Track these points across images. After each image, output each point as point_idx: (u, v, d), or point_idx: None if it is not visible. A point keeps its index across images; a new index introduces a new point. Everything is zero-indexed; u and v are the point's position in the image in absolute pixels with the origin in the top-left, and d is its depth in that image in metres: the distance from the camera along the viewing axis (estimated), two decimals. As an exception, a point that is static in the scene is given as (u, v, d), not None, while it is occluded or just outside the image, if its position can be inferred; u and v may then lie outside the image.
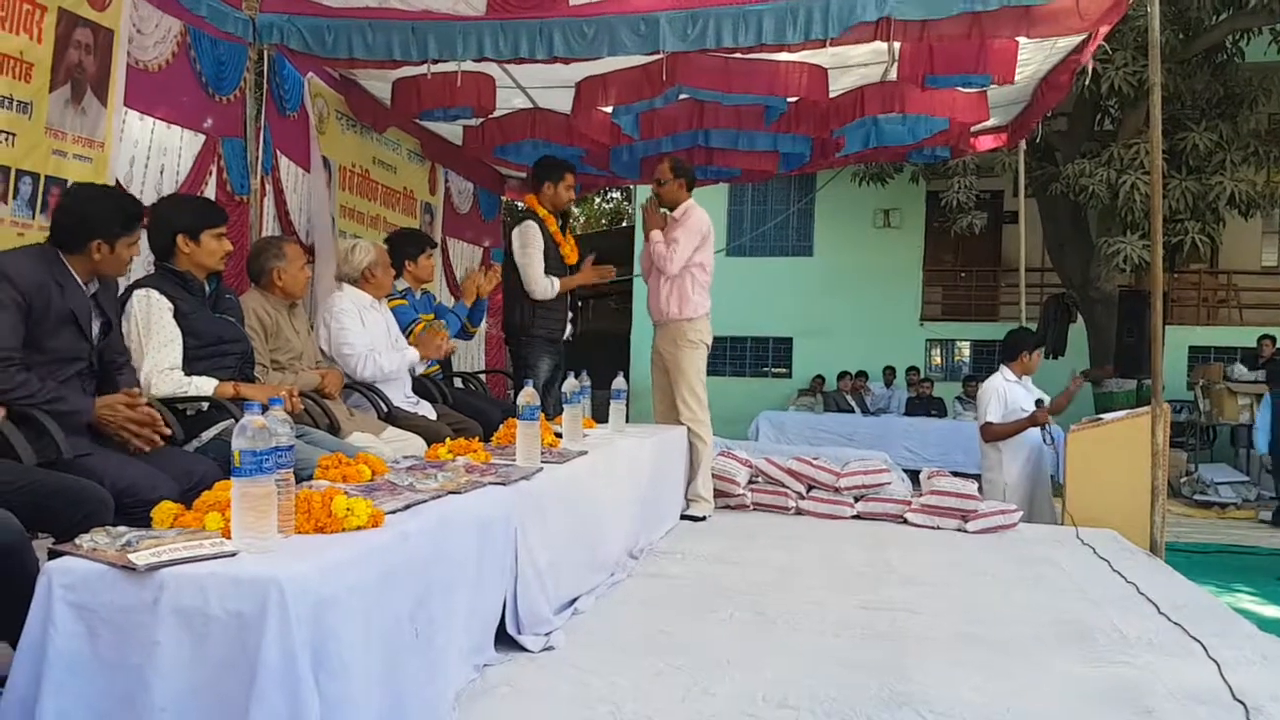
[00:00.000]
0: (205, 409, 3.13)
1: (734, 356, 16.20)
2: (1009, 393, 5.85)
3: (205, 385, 3.13)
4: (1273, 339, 11.60)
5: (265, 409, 1.88)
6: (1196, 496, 11.21)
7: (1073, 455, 5.43)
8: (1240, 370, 11.84)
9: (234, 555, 1.78)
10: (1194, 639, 3.19)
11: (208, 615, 1.68)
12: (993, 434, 5.82)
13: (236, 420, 2.86)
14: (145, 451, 2.74)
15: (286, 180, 5.24)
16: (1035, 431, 5.71)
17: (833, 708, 2.45)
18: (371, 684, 1.92)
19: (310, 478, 2.48)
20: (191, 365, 3.14)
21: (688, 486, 5.16)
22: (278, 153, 5.14)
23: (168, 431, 2.81)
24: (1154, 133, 5.04)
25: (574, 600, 3.27)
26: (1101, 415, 6.17)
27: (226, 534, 1.87)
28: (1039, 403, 5.71)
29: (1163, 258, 5.30)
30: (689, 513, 5.08)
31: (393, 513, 2.20)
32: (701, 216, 5.23)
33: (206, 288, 3.27)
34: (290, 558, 1.79)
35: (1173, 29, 10.62)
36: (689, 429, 5.14)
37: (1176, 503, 10.91)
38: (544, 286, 5.09)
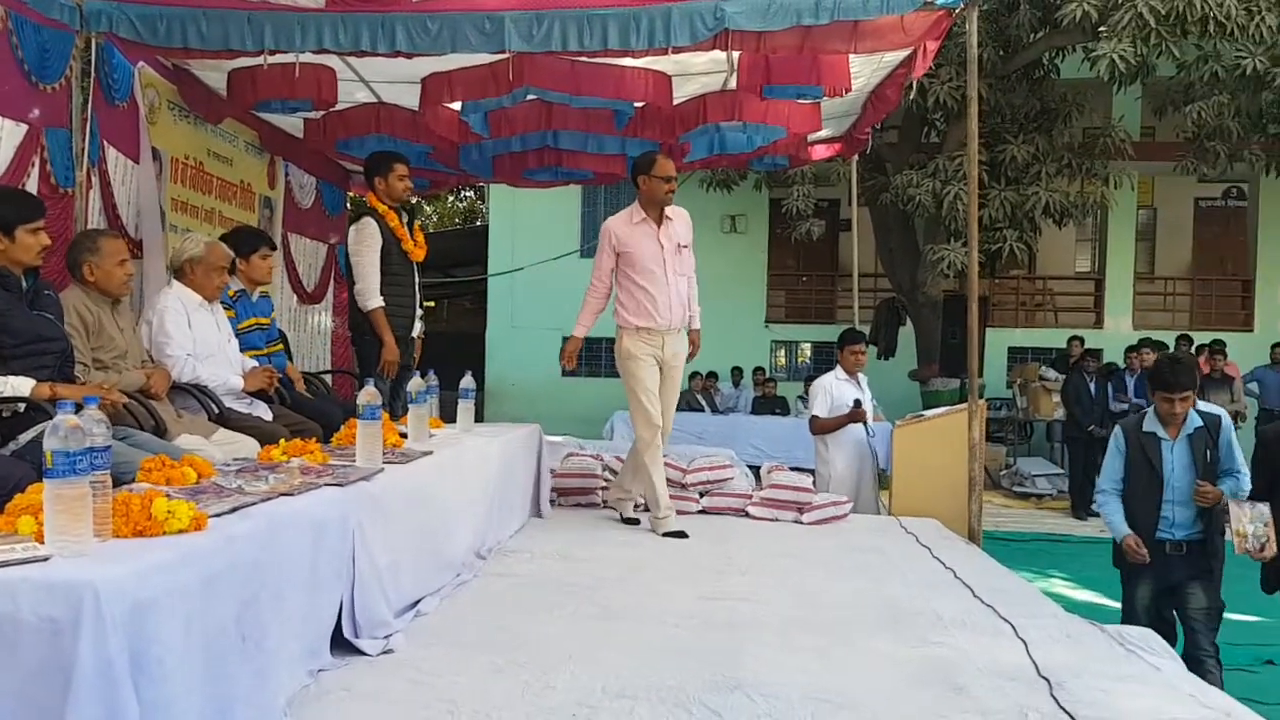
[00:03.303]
0: (22, 410, 2.97)
1: (590, 357, 16.29)
2: (836, 389, 6.15)
3: (22, 386, 2.97)
4: (1081, 340, 12.49)
5: (80, 408, 1.81)
6: (1015, 488, 11.99)
7: (898, 449, 5.75)
8: (1049, 372, 12.69)
9: (47, 560, 1.71)
10: (1004, 620, 3.42)
11: (19, 621, 1.62)
12: (818, 427, 6.16)
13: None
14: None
15: (114, 172, 4.98)
16: (859, 427, 6.01)
17: (668, 695, 2.53)
18: (193, 689, 1.88)
19: (133, 481, 2.39)
20: (7, 365, 2.98)
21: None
22: (105, 144, 4.88)
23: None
24: (971, 145, 5.38)
25: (417, 602, 3.25)
26: (924, 412, 6.54)
27: (39, 538, 1.80)
28: (856, 402, 6.01)
29: (983, 264, 5.67)
30: (672, 529, 4.76)
31: (218, 515, 2.15)
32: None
33: (24, 283, 3.10)
34: (106, 561, 1.74)
35: (993, 45, 11.29)
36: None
37: (997, 494, 11.64)
38: (367, 295, 5.01)
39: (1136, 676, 2.89)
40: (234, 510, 2.22)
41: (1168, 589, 4.43)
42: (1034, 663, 2.93)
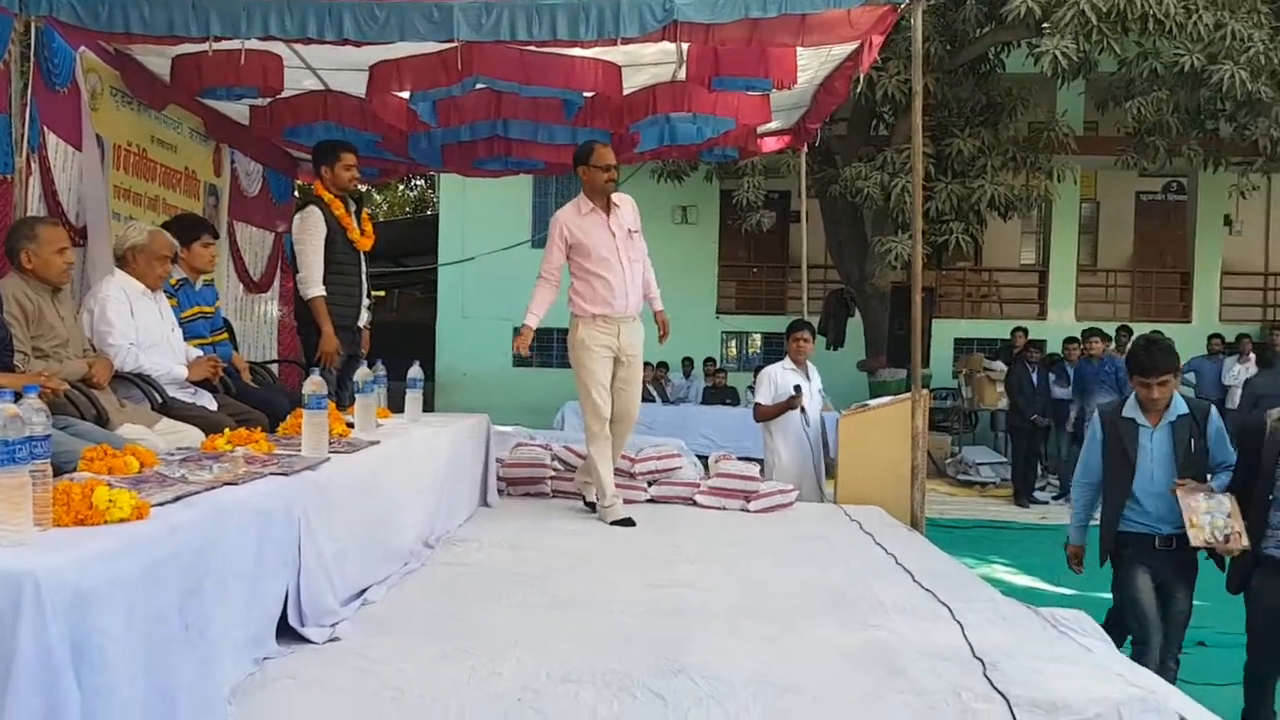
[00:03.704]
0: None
1: (541, 348, 16.27)
2: (781, 378, 6.22)
3: (-43, 374, 2.92)
4: (1025, 331, 12.75)
5: (19, 397, 1.80)
6: (960, 476, 12.22)
7: (843, 439, 5.84)
8: (995, 365, 12.94)
9: (-15, 549, 1.70)
10: (943, 604, 3.50)
11: (-44, 611, 1.61)
12: (760, 414, 6.24)
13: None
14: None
15: (55, 159, 4.89)
16: (801, 416, 6.08)
17: (613, 679, 2.56)
18: (136, 677, 1.88)
19: (74, 471, 2.36)
20: (-57, 354, 2.92)
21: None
22: (45, 130, 4.78)
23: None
24: (915, 139, 5.47)
25: (364, 591, 3.25)
26: (869, 401, 6.65)
27: (-23, 529, 1.78)
28: (796, 388, 6.08)
29: (930, 256, 5.78)
30: (619, 517, 4.80)
31: (161, 504, 2.14)
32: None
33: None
34: (47, 550, 1.74)
35: (940, 40, 11.44)
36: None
37: (942, 482, 11.85)
38: (308, 284, 5.00)
39: (1068, 657, 2.97)
40: (177, 499, 2.21)
41: (1160, 585, 4.14)
42: (969, 644, 3.00)
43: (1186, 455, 4.01)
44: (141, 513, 2.01)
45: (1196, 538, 3.89)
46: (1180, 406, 4.09)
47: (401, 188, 26.22)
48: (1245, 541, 3.83)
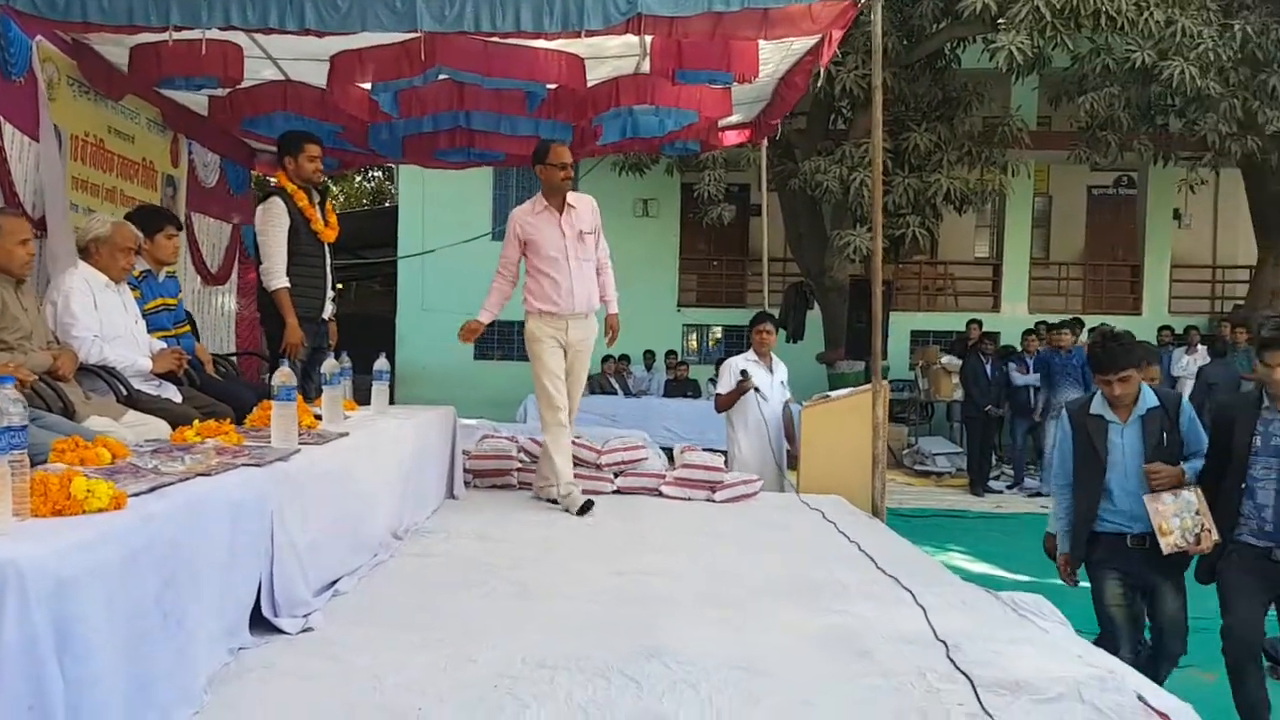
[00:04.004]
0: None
1: (503, 341, 16.23)
2: (742, 369, 6.28)
3: (-81, 367, 2.88)
4: (980, 323, 12.95)
5: (-14, 388, 1.79)
6: (916, 467, 12.40)
7: (806, 429, 5.92)
8: (953, 362, 13.12)
9: (-36, 539, 1.70)
10: (905, 589, 3.58)
11: (-64, 601, 1.60)
12: (719, 404, 6.34)
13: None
14: None
15: (11, 149, 4.80)
16: (760, 410, 6.16)
17: (588, 664, 2.60)
18: (117, 666, 1.89)
19: (45, 462, 2.35)
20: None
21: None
22: (1, 120, 4.70)
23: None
24: (875, 133, 5.55)
25: (334, 582, 3.26)
26: (830, 393, 6.74)
27: (-46, 519, 1.77)
28: (744, 372, 6.15)
29: (887, 249, 5.87)
30: (579, 504, 4.87)
31: (136, 495, 2.14)
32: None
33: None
34: (27, 540, 1.74)
35: (897, 35, 11.58)
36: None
37: (899, 472, 12.02)
38: (271, 275, 4.98)
39: (1028, 639, 3.06)
40: (152, 490, 2.21)
41: (1139, 588, 4.02)
42: (932, 628, 3.08)
43: (1158, 449, 3.87)
44: (119, 503, 2.01)
45: (1168, 545, 3.78)
46: (1150, 399, 3.95)
47: (359, 179, 25.97)
48: (1216, 536, 3.76)
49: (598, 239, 5.10)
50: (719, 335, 17.74)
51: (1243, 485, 3.79)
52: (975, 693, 2.51)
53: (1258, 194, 13.14)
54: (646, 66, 5.96)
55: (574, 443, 5.42)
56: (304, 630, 2.82)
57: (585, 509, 4.79)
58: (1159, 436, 3.88)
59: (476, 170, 11.05)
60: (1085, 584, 4.15)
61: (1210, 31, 10.28)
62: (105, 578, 1.85)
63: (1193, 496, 3.78)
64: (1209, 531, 3.75)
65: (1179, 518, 3.77)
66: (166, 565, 2.12)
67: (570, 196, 5.00)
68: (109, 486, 2.01)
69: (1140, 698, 2.52)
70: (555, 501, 5.03)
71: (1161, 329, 13.31)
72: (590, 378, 14.41)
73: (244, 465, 2.68)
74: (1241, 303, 14.77)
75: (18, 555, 1.64)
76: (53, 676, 1.65)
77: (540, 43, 5.36)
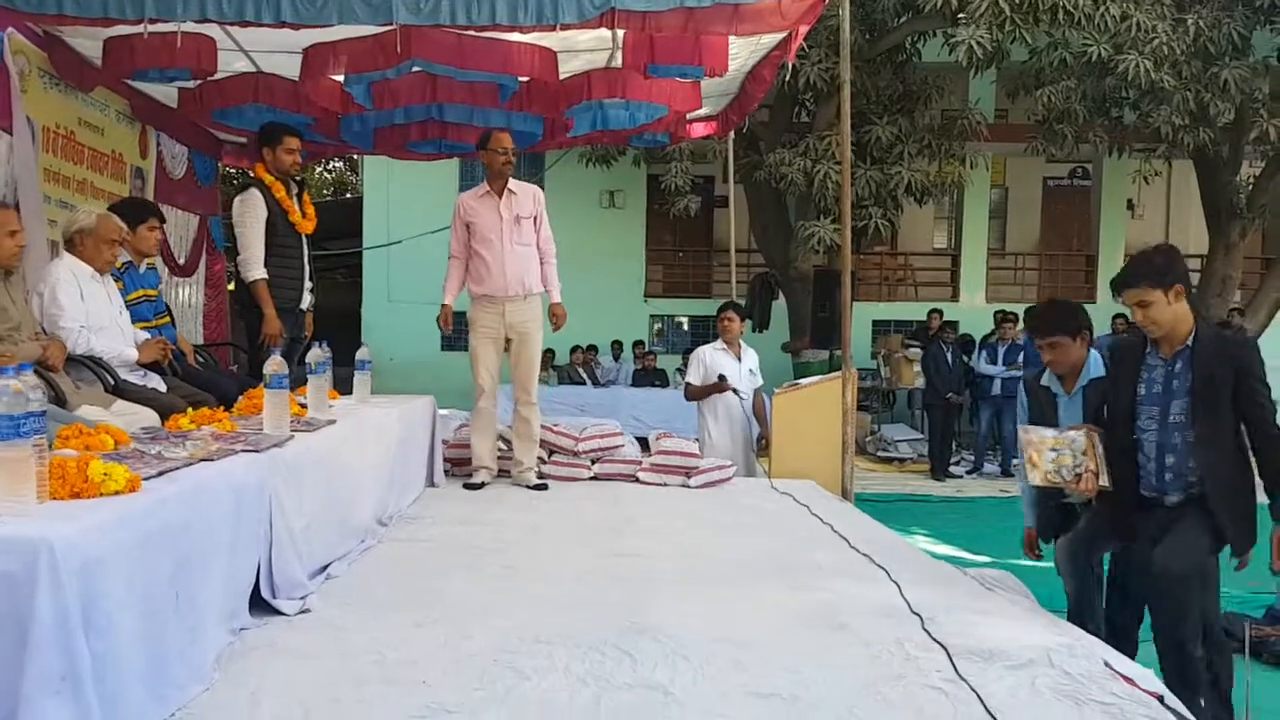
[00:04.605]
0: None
1: (468, 332, 16.19)
2: (710, 358, 6.44)
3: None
4: (940, 313, 13.19)
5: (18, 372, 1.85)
6: (879, 453, 12.61)
7: (777, 416, 6.06)
8: (914, 352, 13.33)
9: (-7, 519, 1.76)
10: (879, 566, 3.72)
11: (-30, 577, 1.66)
12: (690, 394, 6.50)
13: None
14: None
15: (-16, 142, 4.80)
16: (731, 397, 6.30)
17: (582, 640, 2.70)
18: (135, 643, 1.96)
19: (49, 449, 2.39)
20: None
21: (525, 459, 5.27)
22: (-27, 112, 4.69)
23: None
24: (843, 126, 5.69)
25: (327, 566, 3.32)
26: (799, 381, 6.88)
27: (-22, 501, 1.83)
28: (721, 376, 6.31)
29: (850, 240, 6.00)
30: (535, 482, 5.20)
31: (149, 479, 2.20)
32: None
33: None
34: (54, 520, 1.80)
35: (860, 29, 11.71)
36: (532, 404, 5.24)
37: (863, 459, 12.20)
38: (249, 266, 5.03)
39: (998, 611, 3.21)
40: (160, 474, 2.27)
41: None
42: (907, 602, 3.21)
43: (1098, 421, 3.64)
44: (134, 486, 2.07)
45: (1035, 477, 3.56)
46: (1095, 369, 3.78)
47: (319, 169, 25.69)
48: (1105, 482, 3.44)
49: (538, 225, 5.21)
50: (685, 325, 17.86)
51: (1134, 438, 3.47)
52: (951, 660, 2.65)
53: (1209, 184, 13.45)
54: (619, 60, 6.03)
55: (552, 430, 5.53)
56: (301, 612, 2.88)
57: (471, 487, 5.11)
58: (1099, 408, 3.66)
59: (442, 161, 11.05)
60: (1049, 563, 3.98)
61: (1164, 26, 10.52)
62: (125, 557, 1.92)
63: (1081, 437, 3.52)
64: (1093, 474, 3.45)
65: (1057, 453, 3.52)
66: (179, 546, 2.18)
67: (512, 183, 5.14)
68: (124, 470, 2.07)
69: (1106, 663, 2.67)
70: (534, 487, 5.14)
71: (1115, 317, 13.57)
72: (558, 368, 14.65)
73: (242, 451, 2.74)
74: (1194, 290, 15.12)
75: (49, 533, 1.70)
76: (81, 651, 1.72)
77: (514, 36, 5.42)
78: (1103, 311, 15.02)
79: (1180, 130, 11.30)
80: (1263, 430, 3.30)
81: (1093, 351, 3.85)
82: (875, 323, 16.74)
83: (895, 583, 3.47)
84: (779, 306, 14.32)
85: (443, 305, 5.23)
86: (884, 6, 11.80)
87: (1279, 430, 3.32)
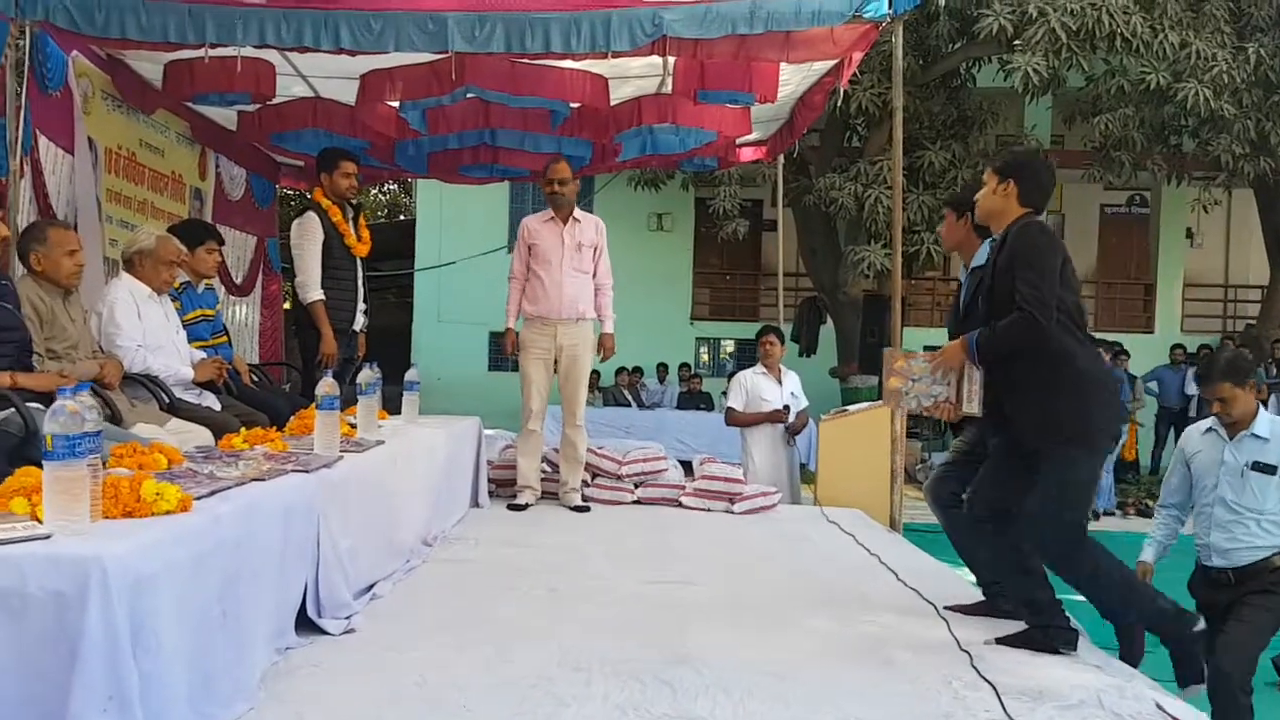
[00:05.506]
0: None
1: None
2: (751, 383, 6.41)
3: (-17, 374, 2.98)
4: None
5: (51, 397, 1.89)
6: (930, 482, 12.40)
7: (823, 443, 6.01)
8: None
9: (48, 537, 1.79)
10: (927, 601, 3.65)
11: (25, 595, 1.71)
12: (733, 420, 6.46)
13: (16, 409, 2.77)
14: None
15: (46, 162, 4.93)
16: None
17: (621, 667, 2.69)
18: (183, 661, 1.98)
19: (103, 467, 2.45)
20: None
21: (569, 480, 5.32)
22: (37, 133, 4.83)
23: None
24: (895, 151, 5.64)
25: (372, 586, 3.35)
26: (847, 407, 6.81)
27: (35, 518, 1.87)
28: (786, 408, 6.29)
29: (901, 265, 5.95)
30: (578, 503, 5.25)
31: (199, 498, 2.24)
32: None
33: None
34: (107, 539, 1.83)
35: (913, 55, 11.67)
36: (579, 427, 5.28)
37: (912, 488, 12.02)
38: (306, 288, 5.11)
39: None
40: (212, 494, 2.31)
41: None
42: (955, 639, 3.15)
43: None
44: (186, 505, 2.11)
45: (889, 400, 3.48)
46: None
47: (374, 192, 26.11)
48: (972, 409, 3.22)
49: (598, 256, 5.29)
50: (731, 349, 17.82)
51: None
52: (999, 699, 2.59)
53: (1269, 214, 13.18)
54: (669, 86, 6.06)
55: (596, 452, 5.54)
56: (346, 631, 2.91)
57: (516, 508, 5.15)
58: None
59: (494, 184, 11.18)
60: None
61: (1224, 54, 10.37)
62: (176, 576, 1.95)
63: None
64: (951, 404, 3.27)
65: (919, 381, 3.35)
66: (229, 565, 2.21)
67: (578, 212, 5.24)
68: (176, 490, 2.10)
69: (1158, 705, 2.60)
70: (578, 509, 5.16)
71: (1174, 347, 13.33)
72: (604, 390, 14.67)
73: (293, 471, 2.78)
74: (1254, 322, 14.78)
75: (101, 552, 1.74)
76: (129, 669, 1.74)
77: (566, 63, 5.48)
78: (1161, 341, 14.79)
79: (1240, 159, 11.10)
80: None
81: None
82: (927, 348, 16.51)
83: (943, 618, 3.41)
84: (826, 331, 14.24)
85: (507, 329, 5.32)
86: (938, 32, 11.74)
87: None
